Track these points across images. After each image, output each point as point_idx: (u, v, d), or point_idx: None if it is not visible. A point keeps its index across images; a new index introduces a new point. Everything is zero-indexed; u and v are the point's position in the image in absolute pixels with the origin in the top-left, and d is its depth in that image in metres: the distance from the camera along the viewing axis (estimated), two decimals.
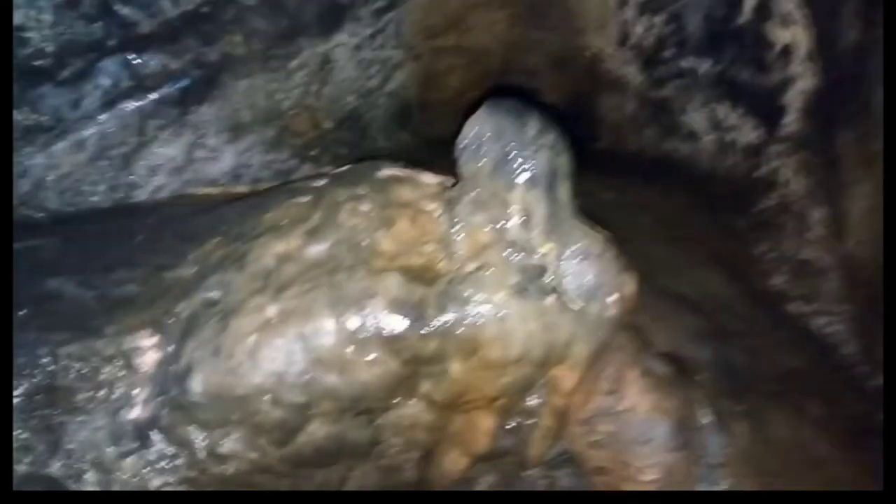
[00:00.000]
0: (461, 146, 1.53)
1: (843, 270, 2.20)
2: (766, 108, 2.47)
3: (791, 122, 2.36)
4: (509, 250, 1.46)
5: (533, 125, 1.48)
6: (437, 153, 1.98)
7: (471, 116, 1.52)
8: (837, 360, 2.18)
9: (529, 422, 1.67)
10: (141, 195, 2.33)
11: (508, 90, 1.65)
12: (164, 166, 2.36)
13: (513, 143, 1.45)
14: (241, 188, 2.54)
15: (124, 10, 2.26)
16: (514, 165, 1.46)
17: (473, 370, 1.44)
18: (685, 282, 2.36)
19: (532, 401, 1.63)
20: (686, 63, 2.85)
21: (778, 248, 2.42)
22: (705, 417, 1.86)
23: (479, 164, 1.49)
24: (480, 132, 1.49)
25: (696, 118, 2.86)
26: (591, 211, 2.58)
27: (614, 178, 2.92)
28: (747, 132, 2.58)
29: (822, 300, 2.28)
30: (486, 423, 1.60)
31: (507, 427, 1.65)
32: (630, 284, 1.59)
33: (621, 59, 3.23)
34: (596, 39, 3.34)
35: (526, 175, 1.46)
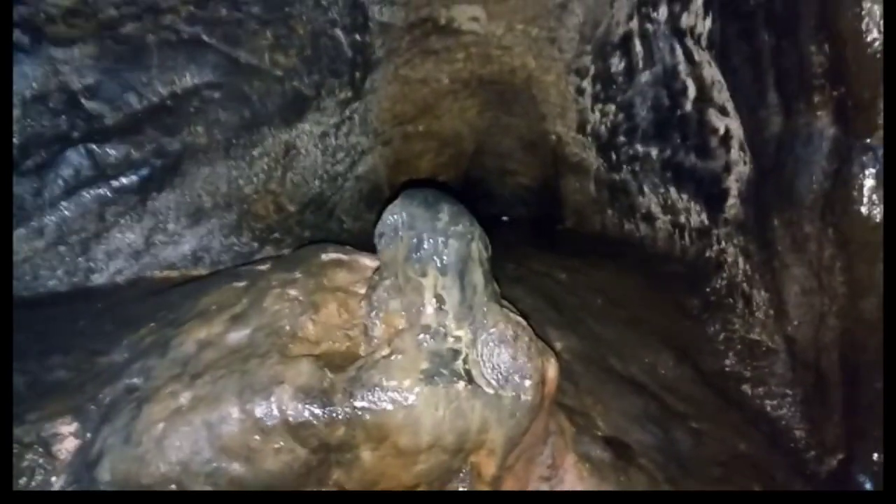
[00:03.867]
0: (379, 234, 1.57)
1: (788, 352, 2.18)
2: (711, 192, 2.51)
3: (732, 206, 2.39)
4: (423, 335, 1.48)
5: (444, 214, 1.52)
6: None
7: (388, 206, 1.57)
8: (786, 444, 2.13)
9: None
10: (99, 279, 2.38)
11: (427, 182, 1.70)
12: (123, 251, 2.41)
13: (425, 233, 1.49)
14: (201, 271, 2.59)
15: (90, 104, 2.37)
16: (427, 253, 1.49)
17: (385, 458, 1.42)
18: (634, 363, 2.35)
19: (460, 487, 1.61)
20: (638, 148, 2.93)
21: (728, 329, 2.41)
22: None
23: (395, 252, 1.53)
24: (396, 221, 1.54)
25: (651, 200, 2.92)
26: (546, 292, 2.62)
27: (574, 259, 2.96)
28: (696, 215, 2.63)
29: (771, 382, 2.25)
30: None
31: None
32: (550, 368, 1.59)
33: (581, 143, 3.33)
34: (558, 126, 3.46)
35: (437, 262, 1.49)
